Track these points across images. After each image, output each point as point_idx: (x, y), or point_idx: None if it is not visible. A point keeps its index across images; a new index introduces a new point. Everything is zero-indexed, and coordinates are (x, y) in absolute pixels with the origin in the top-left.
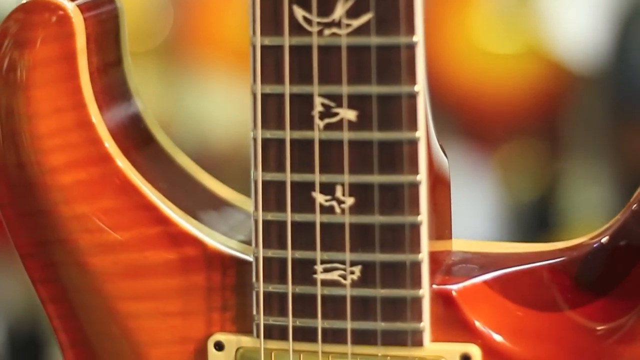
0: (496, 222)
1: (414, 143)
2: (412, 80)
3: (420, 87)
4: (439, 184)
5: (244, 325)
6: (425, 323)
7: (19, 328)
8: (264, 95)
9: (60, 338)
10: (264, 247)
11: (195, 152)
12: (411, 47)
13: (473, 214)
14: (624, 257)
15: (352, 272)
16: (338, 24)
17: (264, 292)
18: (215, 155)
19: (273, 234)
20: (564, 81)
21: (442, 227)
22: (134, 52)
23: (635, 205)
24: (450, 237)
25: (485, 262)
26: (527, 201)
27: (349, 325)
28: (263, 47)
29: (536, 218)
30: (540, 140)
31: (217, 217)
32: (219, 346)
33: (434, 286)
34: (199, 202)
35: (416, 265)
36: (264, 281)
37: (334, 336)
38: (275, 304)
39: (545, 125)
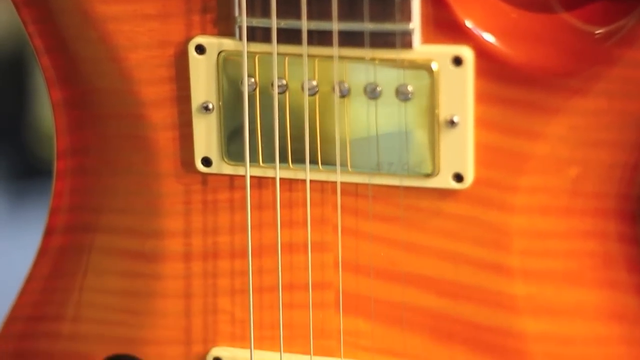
0: None
1: None
2: None
3: None
4: None
5: (226, 28)
6: (415, 24)
7: (2, 49)
8: None
9: (36, 44)
10: None
11: None
12: None
13: None
14: None
15: None
16: None
17: None
18: None
19: None
20: None
21: None
22: None
23: None
24: None
25: None
26: None
27: (335, 25)
28: None
29: None
30: None
31: None
32: (200, 49)
33: None
34: None
35: None
36: None
37: (320, 38)
38: (258, 3)
39: None
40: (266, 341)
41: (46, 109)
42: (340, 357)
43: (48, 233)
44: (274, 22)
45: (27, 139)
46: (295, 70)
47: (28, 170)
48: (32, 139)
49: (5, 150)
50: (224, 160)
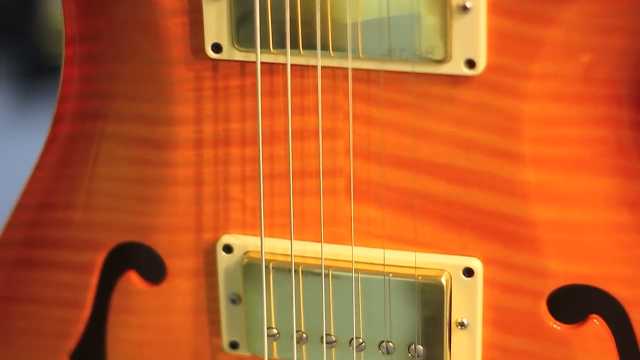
0: None
1: None
2: None
3: None
4: None
5: None
6: None
7: None
8: None
9: None
10: None
11: None
12: None
13: None
14: None
15: None
16: None
17: None
18: None
19: None
20: None
21: None
22: None
23: None
24: None
25: None
26: None
27: None
28: None
29: None
30: None
31: None
32: None
33: None
34: None
35: None
36: None
37: None
38: None
39: None
40: (277, 228)
41: (53, 3)
42: (351, 244)
43: (57, 120)
44: None
45: (34, 36)
46: None
47: (35, 68)
48: (39, 35)
49: (11, 47)
50: (234, 46)
